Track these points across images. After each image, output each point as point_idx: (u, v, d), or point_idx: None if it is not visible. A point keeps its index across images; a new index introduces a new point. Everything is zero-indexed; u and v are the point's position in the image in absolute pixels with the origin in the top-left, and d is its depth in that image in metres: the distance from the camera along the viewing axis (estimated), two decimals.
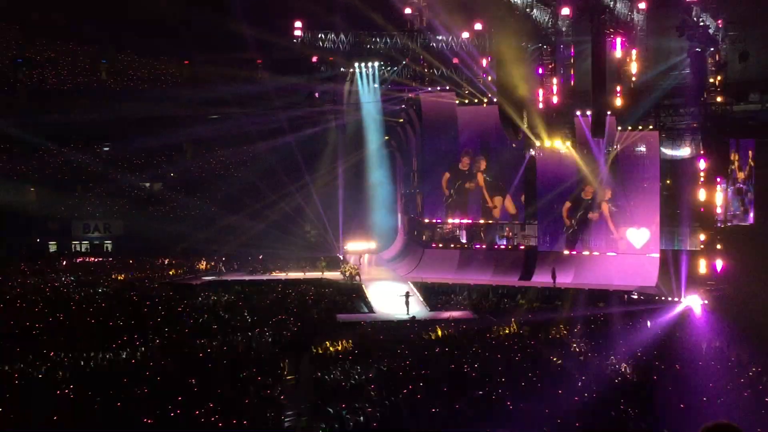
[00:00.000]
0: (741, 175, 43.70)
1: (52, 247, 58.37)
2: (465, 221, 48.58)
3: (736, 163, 43.34)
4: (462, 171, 48.42)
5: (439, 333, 32.14)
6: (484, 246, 47.92)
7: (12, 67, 62.24)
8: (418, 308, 38.85)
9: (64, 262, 52.71)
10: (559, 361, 26.83)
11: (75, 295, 39.65)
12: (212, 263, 49.21)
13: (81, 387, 23.54)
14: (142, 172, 61.96)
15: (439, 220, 49.27)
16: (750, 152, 44.22)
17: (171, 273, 48.29)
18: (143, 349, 28.75)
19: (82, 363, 26.90)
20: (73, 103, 58.59)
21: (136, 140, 58.72)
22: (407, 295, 38.72)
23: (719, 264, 40.49)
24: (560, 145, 45.14)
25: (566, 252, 45.61)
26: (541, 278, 43.99)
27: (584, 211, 45.62)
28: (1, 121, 55.46)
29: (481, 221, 48.15)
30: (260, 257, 49.93)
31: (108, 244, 58.81)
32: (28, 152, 60.47)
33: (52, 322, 33.13)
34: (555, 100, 45.34)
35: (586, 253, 45.25)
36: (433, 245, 48.93)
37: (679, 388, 23.01)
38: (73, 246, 58.80)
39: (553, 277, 42.92)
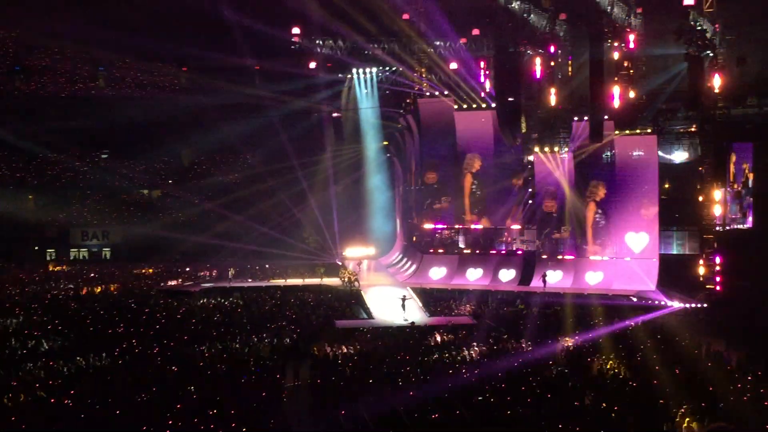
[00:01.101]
0: (738, 180, 43.71)
1: (51, 254, 58.26)
2: (463, 226, 48.66)
3: (734, 167, 43.37)
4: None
5: (438, 339, 32.14)
6: (482, 251, 47.88)
7: (10, 75, 62.22)
8: (417, 314, 38.80)
9: (63, 270, 52.61)
10: (559, 368, 26.85)
11: (73, 303, 39.58)
12: (223, 270, 49.16)
13: (80, 395, 23.48)
14: (140, 179, 61.92)
15: (437, 226, 49.28)
16: (748, 156, 44.23)
17: (169, 280, 48.21)
18: (142, 356, 28.67)
19: (81, 370, 26.81)
20: (71, 111, 58.57)
21: (134, 147, 58.71)
22: (404, 299, 38.75)
23: (718, 268, 40.52)
24: (558, 151, 45.27)
25: (568, 257, 45.60)
26: (540, 283, 44.01)
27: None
28: None
29: (480, 226, 48.20)
30: (266, 266, 49.69)
31: (106, 252, 58.69)
32: (27, 160, 60.46)
33: (51, 329, 33.04)
34: (553, 104, 45.43)
35: (585, 257, 45.27)
36: (432, 250, 48.91)
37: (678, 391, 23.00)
38: (71, 253, 58.71)
39: (544, 282, 43.08)
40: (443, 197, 49.16)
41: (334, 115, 51.03)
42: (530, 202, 46.89)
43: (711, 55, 41.02)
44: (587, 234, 45.24)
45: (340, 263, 49.58)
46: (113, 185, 60.12)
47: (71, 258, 57.97)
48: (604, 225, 44.73)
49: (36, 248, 57.95)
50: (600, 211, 44.88)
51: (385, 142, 52.54)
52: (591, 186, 45.02)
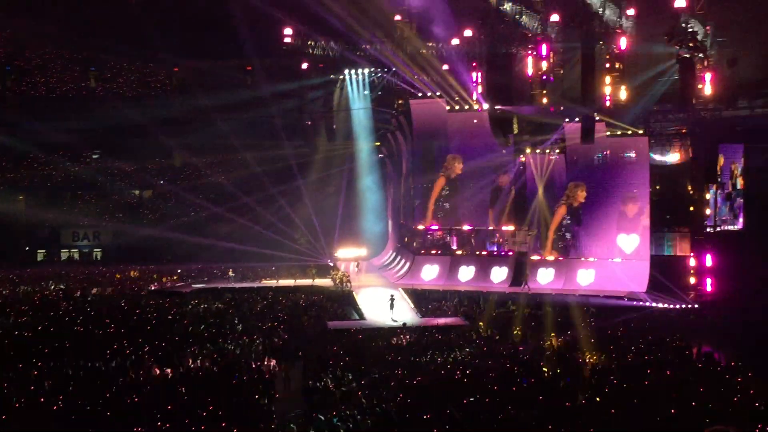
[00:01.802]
0: (730, 181, 43.90)
1: (41, 255, 58.11)
2: (455, 227, 48.69)
3: (719, 169, 43.51)
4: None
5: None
6: (474, 252, 47.88)
7: (1, 75, 62.05)
8: (408, 315, 38.81)
9: (54, 270, 52.47)
10: (553, 370, 26.89)
11: (64, 303, 39.45)
12: (213, 271, 49.09)
13: (70, 396, 23.40)
14: (131, 180, 61.81)
15: (430, 227, 49.27)
16: (737, 157, 44.43)
17: (161, 281, 48.10)
18: (133, 357, 28.60)
19: (72, 372, 26.72)
20: (62, 111, 58.45)
21: (125, 147, 58.62)
22: (392, 299, 38.78)
23: (709, 269, 40.68)
24: (549, 152, 45.40)
25: (560, 258, 45.66)
26: (531, 284, 44.06)
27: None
28: None
29: (471, 227, 48.22)
30: (271, 267, 49.58)
31: (97, 252, 58.62)
32: (18, 160, 60.30)
33: (42, 330, 32.92)
34: (544, 105, 45.53)
35: (575, 258, 45.35)
36: (423, 251, 48.88)
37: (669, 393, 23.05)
38: (62, 254, 58.58)
39: (525, 282, 43.15)
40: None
41: (326, 115, 50.99)
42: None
43: (702, 56, 41.17)
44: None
45: (331, 264, 49.54)
46: (104, 186, 60.00)
47: (62, 258, 57.88)
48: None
49: (27, 248, 57.82)
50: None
51: (377, 143, 52.55)
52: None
